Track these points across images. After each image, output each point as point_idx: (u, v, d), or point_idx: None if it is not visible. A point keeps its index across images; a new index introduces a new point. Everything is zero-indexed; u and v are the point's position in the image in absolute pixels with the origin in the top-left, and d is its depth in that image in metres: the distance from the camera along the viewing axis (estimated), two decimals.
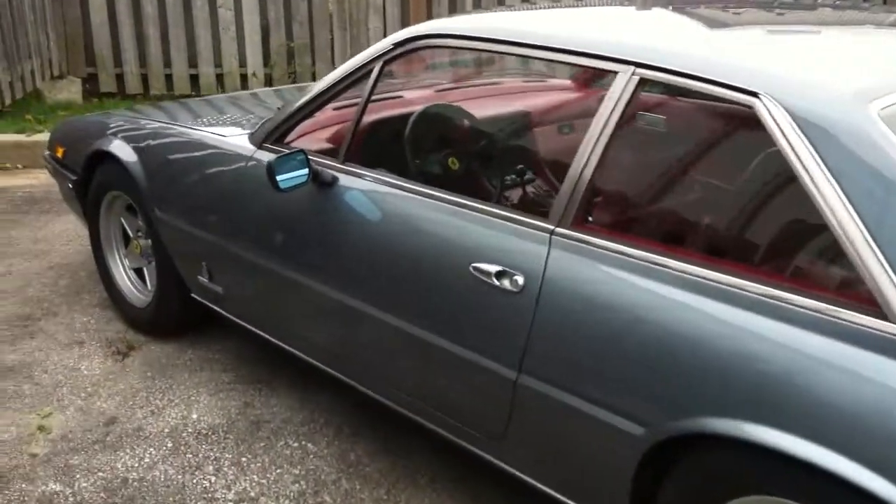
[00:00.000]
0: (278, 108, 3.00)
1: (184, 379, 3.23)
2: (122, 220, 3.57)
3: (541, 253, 2.07)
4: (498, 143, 3.02)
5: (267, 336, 2.99)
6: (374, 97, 2.57)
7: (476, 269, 2.16)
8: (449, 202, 2.31)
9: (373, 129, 2.72)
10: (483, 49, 2.46)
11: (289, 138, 2.80)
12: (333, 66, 8.07)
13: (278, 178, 2.44)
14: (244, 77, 7.99)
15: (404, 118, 2.79)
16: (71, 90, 7.61)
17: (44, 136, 6.02)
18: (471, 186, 2.78)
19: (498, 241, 2.17)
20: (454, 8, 8.01)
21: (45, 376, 3.24)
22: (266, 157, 2.76)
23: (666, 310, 1.86)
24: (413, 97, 3.11)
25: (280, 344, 2.94)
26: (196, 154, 3.06)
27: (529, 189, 2.94)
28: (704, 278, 1.83)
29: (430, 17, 7.97)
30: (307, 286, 2.65)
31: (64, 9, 7.68)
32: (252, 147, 2.85)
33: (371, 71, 2.57)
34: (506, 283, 2.11)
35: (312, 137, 2.83)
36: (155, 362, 3.35)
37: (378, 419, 2.90)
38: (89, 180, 3.53)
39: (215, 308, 3.17)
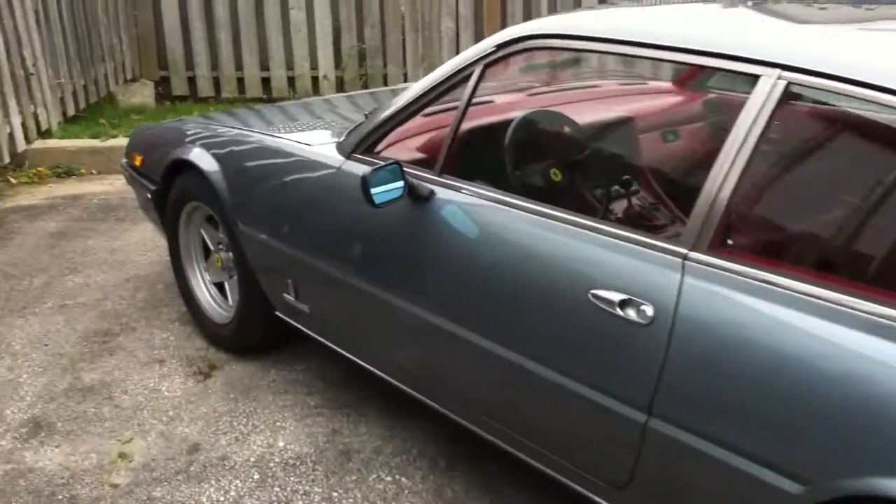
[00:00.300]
0: (366, 115, 2.82)
1: (268, 402, 3.07)
2: (203, 232, 3.43)
3: (673, 281, 1.84)
4: (602, 153, 2.80)
5: (355, 359, 2.81)
6: (472, 103, 2.37)
7: (595, 296, 1.94)
8: (560, 220, 2.10)
9: (470, 139, 2.51)
10: (600, 51, 2.24)
11: (379, 148, 2.61)
12: (405, 68, 7.90)
13: (373, 191, 2.26)
14: (315, 79, 7.87)
15: (503, 126, 2.58)
16: (144, 94, 7.57)
17: (118, 142, 5.96)
18: (574, 200, 2.57)
19: (621, 265, 1.95)
20: (528, 9, 7.77)
21: (125, 398, 3.11)
22: (355, 167, 2.58)
23: (826, 349, 1.63)
24: (512, 103, 2.90)
25: (369, 368, 2.76)
26: (280, 164, 2.89)
27: (636, 202, 2.71)
28: (875, 315, 1.58)
29: (504, 18, 7.76)
30: (401, 308, 2.46)
31: (137, 12, 7.64)
32: (340, 157, 2.67)
33: (470, 75, 2.36)
34: (631, 313, 1.89)
35: (405, 147, 2.64)
36: (238, 383, 3.20)
37: (476, 451, 2.71)
38: (168, 190, 3.39)
39: (301, 328, 3.00)
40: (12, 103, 5.61)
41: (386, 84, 7.97)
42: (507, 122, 2.57)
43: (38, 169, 5.84)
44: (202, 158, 3.13)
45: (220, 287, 3.48)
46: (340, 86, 7.89)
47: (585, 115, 2.86)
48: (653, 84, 3.40)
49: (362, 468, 2.70)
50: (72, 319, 3.70)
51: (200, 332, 3.52)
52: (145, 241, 4.59)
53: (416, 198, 2.36)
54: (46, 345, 3.48)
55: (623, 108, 3.07)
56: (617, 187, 2.68)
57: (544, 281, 2.08)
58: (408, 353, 2.60)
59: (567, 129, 2.75)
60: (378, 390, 2.97)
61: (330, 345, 2.90)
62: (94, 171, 5.97)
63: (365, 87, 7.92)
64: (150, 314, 3.74)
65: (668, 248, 1.89)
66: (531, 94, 3.07)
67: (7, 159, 5.59)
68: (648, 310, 1.86)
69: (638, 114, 3.03)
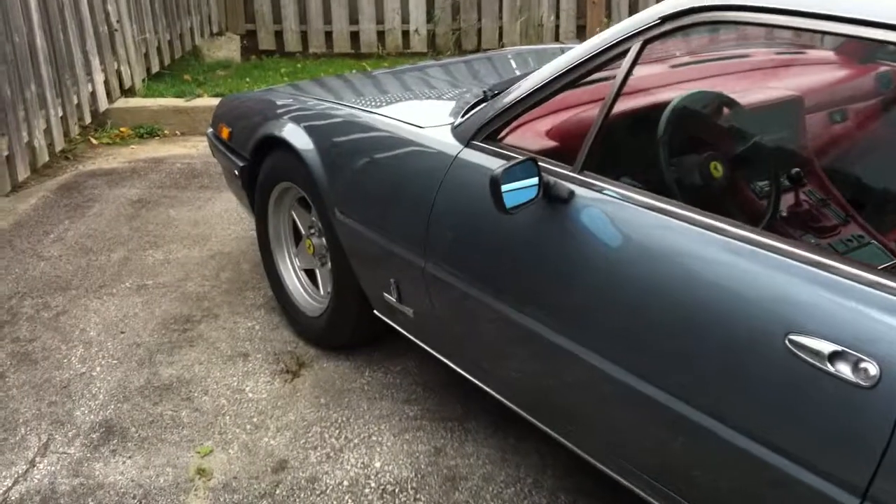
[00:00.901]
0: (486, 92, 2.40)
1: (362, 410, 2.73)
2: (294, 215, 3.08)
3: None
4: (770, 140, 2.35)
5: (463, 373, 2.44)
6: (625, 87, 1.94)
7: (795, 343, 1.52)
8: (741, 238, 1.67)
9: (618, 129, 2.09)
10: (791, 26, 1.78)
11: (504, 134, 2.21)
12: (500, 22, 7.43)
13: (505, 194, 1.86)
14: (406, 34, 7.46)
15: (656, 113, 2.14)
16: (230, 48, 7.28)
17: (203, 102, 5.68)
18: (738, 199, 2.14)
19: (831, 306, 1.52)
20: None
21: (205, 399, 2.80)
22: (476, 157, 2.19)
23: None
24: (668, 85, 2.45)
25: (479, 384, 2.39)
26: (385, 148, 2.51)
27: (810, 202, 2.26)
28: None
29: None
30: (524, 325, 2.07)
31: None
32: (457, 144, 2.28)
33: (626, 52, 1.93)
34: (845, 370, 1.47)
35: (536, 135, 2.23)
36: (328, 385, 2.87)
37: (599, 487, 2.33)
38: (258, 167, 3.05)
39: (402, 330, 2.65)
40: (95, 62, 5.35)
41: (479, 40, 7.52)
42: (660, 109, 2.14)
43: (121, 129, 5.59)
44: (295, 135, 2.77)
45: (310, 275, 3.14)
46: (432, 40, 7.48)
47: (749, 95, 2.41)
48: (817, 55, 2.90)
49: (471, 500, 2.34)
50: (151, 302, 3.41)
51: (288, 322, 3.20)
52: (229, 212, 4.29)
53: (552, 199, 1.96)
54: (123, 332, 3.20)
55: (791, 83, 2.59)
56: (785, 182, 2.24)
57: (722, 316, 1.66)
58: (525, 375, 2.21)
59: (728, 114, 2.30)
60: (485, 402, 2.61)
61: (433, 352, 2.54)
62: (177, 132, 5.70)
63: (458, 42, 7.49)
64: (234, 299, 3.43)
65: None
66: (691, 75, 2.60)
67: (89, 119, 5.35)
68: (872, 368, 1.43)
69: (810, 91, 2.56)
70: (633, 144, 2.12)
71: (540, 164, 1.99)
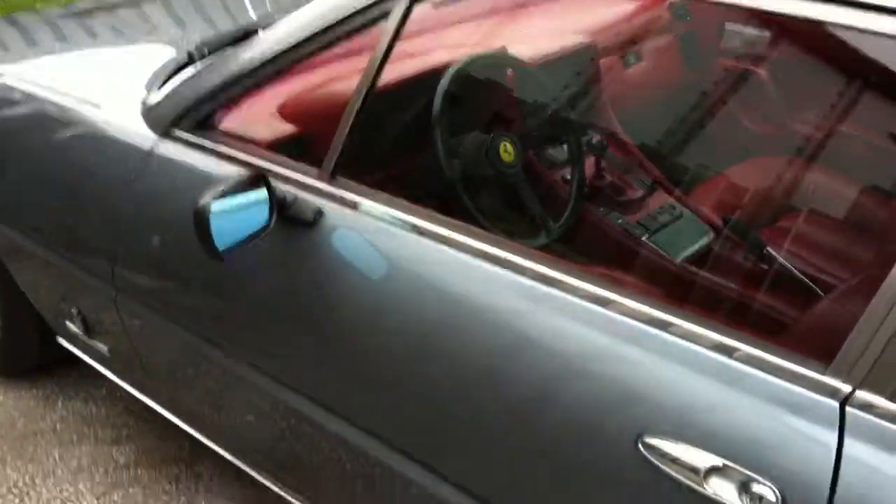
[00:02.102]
0: (193, 53, 1.71)
1: (53, 464, 2.07)
2: None
3: (822, 439, 0.99)
4: (567, 104, 1.90)
5: (185, 426, 1.85)
6: (388, 59, 1.36)
7: (652, 449, 1.07)
8: (545, 280, 1.19)
9: (383, 112, 1.52)
10: None
11: (220, 119, 1.57)
12: None
13: (216, 232, 1.25)
14: None
15: (429, 87, 1.59)
16: None
17: None
18: (540, 187, 1.70)
19: (705, 394, 1.07)
20: None
21: None
22: (177, 152, 1.56)
23: None
24: (442, 50, 1.85)
25: (203, 439, 1.82)
26: (48, 136, 1.78)
27: (619, 179, 1.86)
28: None
29: None
30: (253, 381, 1.52)
31: None
32: (150, 133, 1.61)
33: (385, 14, 1.35)
34: (728, 492, 1.03)
35: (267, 123, 1.62)
36: (6, 427, 2.16)
37: None
38: None
39: (98, 367, 1.99)
40: None
41: None
42: (435, 82, 1.59)
43: None
44: None
45: None
46: None
47: (537, 50, 1.91)
48: None
49: None
50: None
51: None
52: None
53: (291, 220, 1.38)
54: None
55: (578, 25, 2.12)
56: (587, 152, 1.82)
57: (544, 404, 1.19)
58: (269, 444, 1.66)
59: (515, 78, 1.79)
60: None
61: (145, 399, 1.92)
62: None
63: None
64: None
65: (821, 382, 1.01)
66: (471, 37, 2.01)
67: None
68: (771, 493, 1.00)
69: (601, 34, 2.10)
70: (403, 132, 1.58)
71: (273, 168, 1.40)
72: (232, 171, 1.43)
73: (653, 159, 1.99)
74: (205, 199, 1.22)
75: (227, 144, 1.50)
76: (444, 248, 1.26)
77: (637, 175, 1.96)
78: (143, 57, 2.00)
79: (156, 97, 1.62)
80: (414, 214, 1.30)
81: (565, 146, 1.81)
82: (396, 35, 1.34)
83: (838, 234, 1.76)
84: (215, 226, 1.23)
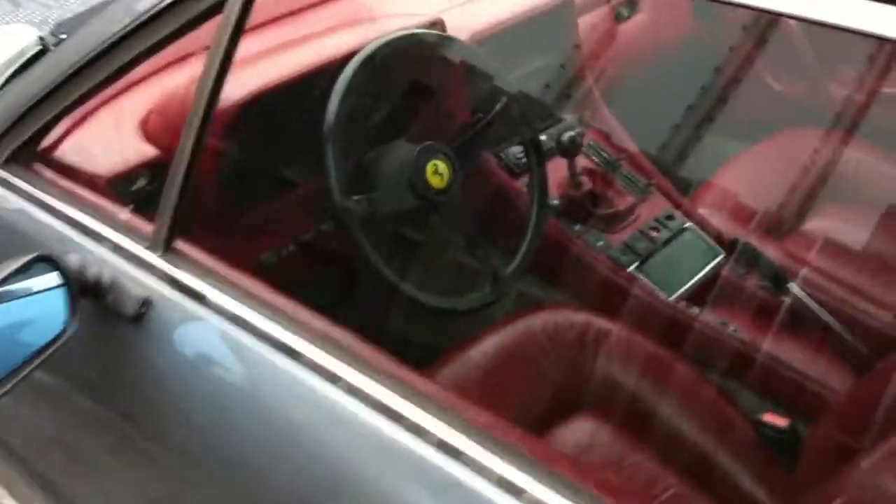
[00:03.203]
0: (46, 39, 1.29)
1: None
2: None
3: None
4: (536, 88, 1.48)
5: None
6: (229, 58, 0.95)
7: None
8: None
9: (239, 139, 1.11)
10: None
11: (48, 144, 1.18)
12: None
13: None
14: None
15: (310, 92, 1.19)
16: None
17: None
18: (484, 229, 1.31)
19: None
20: None
21: None
22: None
23: None
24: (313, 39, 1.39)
25: None
26: None
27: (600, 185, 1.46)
28: None
29: None
30: None
31: None
32: None
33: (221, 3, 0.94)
34: None
35: (113, 146, 1.22)
36: None
37: None
38: None
39: None
40: None
41: None
42: (318, 88, 1.17)
43: None
44: None
45: None
46: None
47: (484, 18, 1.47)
48: None
49: None
50: None
51: None
52: None
53: (103, 320, 0.99)
54: None
55: None
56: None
57: None
58: None
59: (448, 64, 1.35)
60: None
61: None
62: None
63: None
64: None
65: None
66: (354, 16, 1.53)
67: None
68: None
69: None
70: (275, 161, 1.17)
71: (97, 227, 1.01)
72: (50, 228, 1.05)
73: (650, 152, 1.58)
74: None
75: (48, 185, 1.11)
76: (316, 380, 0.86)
77: (628, 174, 1.54)
78: None
79: None
80: (277, 317, 0.90)
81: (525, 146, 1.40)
82: (238, 28, 0.93)
83: None
84: None
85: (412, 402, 0.79)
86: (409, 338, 1.19)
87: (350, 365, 0.83)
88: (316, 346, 0.85)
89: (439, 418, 0.78)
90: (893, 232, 1.39)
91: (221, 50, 0.93)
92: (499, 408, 1.03)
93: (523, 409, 1.20)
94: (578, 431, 1.23)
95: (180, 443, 1.01)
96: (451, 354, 1.21)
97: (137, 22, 1.01)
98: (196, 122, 0.95)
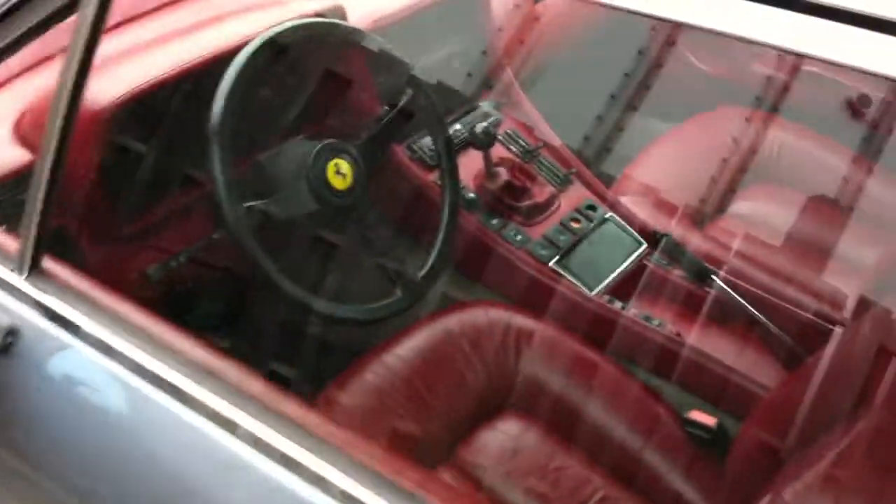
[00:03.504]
0: None
1: None
2: None
3: None
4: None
5: None
6: (91, 49, 0.86)
7: None
8: None
9: (110, 141, 1.02)
10: None
11: None
12: None
13: None
14: None
15: (188, 88, 1.10)
16: None
17: None
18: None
19: None
20: None
21: None
22: None
23: None
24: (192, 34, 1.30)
25: None
26: None
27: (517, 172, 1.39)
28: None
29: None
30: None
31: None
32: None
33: None
34: None
35: None
36: None
37: None
38: None
39: None
40: None
41: None
42: (207, 73, 1.08)
43: None
44: None
45: None
46: None
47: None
48: None
49: None
50: None
51: None
52: None
53: None
54: None
55: None
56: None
57: None
58: None
59: (346, 54, 1.27)
60: None
61: None
62: None
63: None
64: None
65: None
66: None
67: None
68: None
69: None
70: (155, 168, 1.07)
71: None
72: None
73: (569, 141, 1.52)
74: None
75: None
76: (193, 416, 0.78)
77: (548, 164, 1.48)
78: None
79: None
80: (160, 351, 0.82)
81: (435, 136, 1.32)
82: (98, 22, 0.84)
83: None
84: None
85: (307, 447, 0.72)
86: (316, 350, 1.12)
87: (241, 408, 0.76)
88: (201, 384, 0.78)
89: (337, 466, 0.71)
90: (817, 217, 1.36)
91: (81, 44, 0.84)
92: (420, 413, 0.97)
93: (445, 413, 1.15)
94: (503, 434, 1.18)
95: (68, 476, 0.92)
96: (365, 360, 1.14)
97: None
98: (58, 125, 0.86)
